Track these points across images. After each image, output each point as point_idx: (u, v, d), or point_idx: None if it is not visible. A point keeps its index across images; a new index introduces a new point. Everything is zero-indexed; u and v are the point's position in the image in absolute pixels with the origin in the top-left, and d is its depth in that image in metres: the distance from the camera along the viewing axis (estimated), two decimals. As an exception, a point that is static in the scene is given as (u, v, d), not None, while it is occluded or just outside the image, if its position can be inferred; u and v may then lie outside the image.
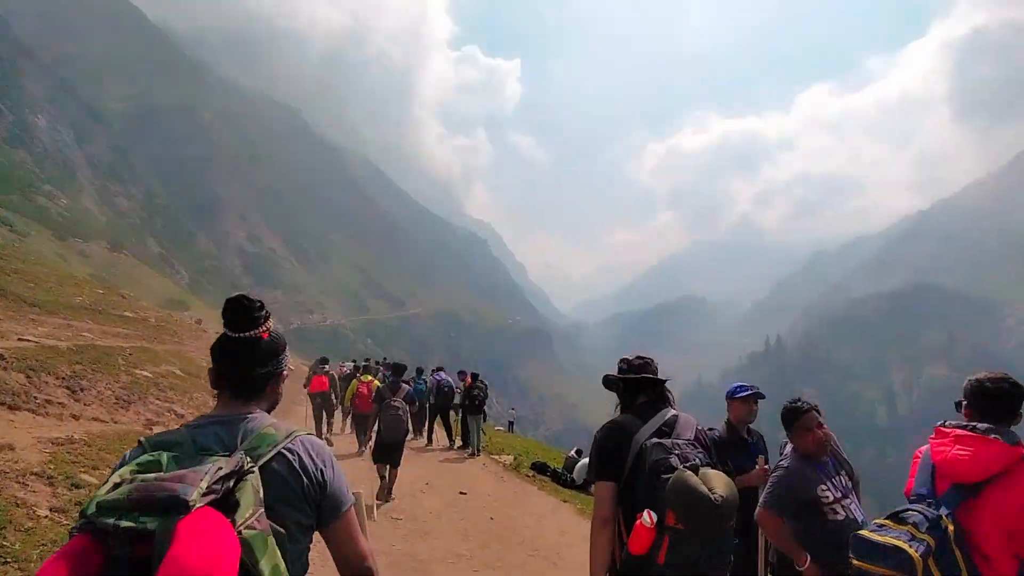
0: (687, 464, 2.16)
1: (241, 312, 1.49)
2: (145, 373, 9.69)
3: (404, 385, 7.76)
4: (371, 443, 7.61)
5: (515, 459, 12.14)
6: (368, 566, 1.53)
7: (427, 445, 12.68)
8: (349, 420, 12.56)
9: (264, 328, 1.51)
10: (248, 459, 1.29)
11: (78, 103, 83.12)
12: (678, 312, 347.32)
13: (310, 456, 1.45)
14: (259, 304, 1.52)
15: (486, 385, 11.99)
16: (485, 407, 11.90)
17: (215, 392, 1.54)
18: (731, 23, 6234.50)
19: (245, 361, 1.49)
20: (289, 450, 1.42)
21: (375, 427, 7.49)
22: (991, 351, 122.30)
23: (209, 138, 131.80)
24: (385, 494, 7.45)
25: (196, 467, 1.20)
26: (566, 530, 7.14)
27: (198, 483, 1.12)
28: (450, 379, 12.55)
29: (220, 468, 1.21)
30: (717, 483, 2.05)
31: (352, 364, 16.33)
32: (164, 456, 1.26)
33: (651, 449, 2.21)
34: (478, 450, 11.62)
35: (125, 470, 1.20)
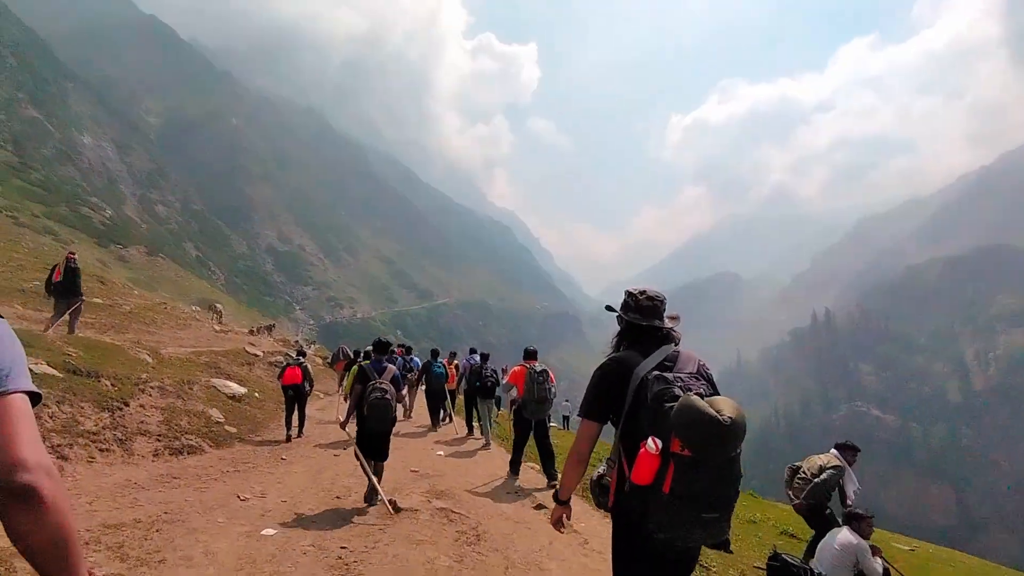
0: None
1: None
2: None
3: (390, 366, 6.44)
4: (351, 432, 6.52)
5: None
6: (24, 480, 0.95)
7: (468, 435, 11.37)
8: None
9: None
10: None
11: (119, 119, 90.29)
12: (711, 290, 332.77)
13: None
14: None
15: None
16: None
17: None
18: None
19: None
20: None
21: (357, 413, 6.26)
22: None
23: (239, 144, 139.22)
24: (371, 494, 6.17)
25: None
26: None
27: None
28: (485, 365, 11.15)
29: None
30: (725, 406, 1.98)
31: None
32: None
33: (653, 381, 2.16)
34: (489, 442, 10.23)
35: None
